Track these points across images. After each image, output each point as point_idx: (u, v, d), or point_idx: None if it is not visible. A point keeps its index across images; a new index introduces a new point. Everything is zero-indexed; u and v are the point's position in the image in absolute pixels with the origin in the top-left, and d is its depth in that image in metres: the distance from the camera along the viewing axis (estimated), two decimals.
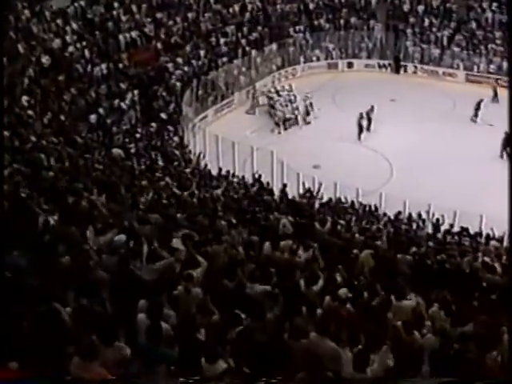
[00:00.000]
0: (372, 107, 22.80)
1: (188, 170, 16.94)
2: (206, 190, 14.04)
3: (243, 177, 17.90)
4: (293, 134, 23.85)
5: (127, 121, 21.55)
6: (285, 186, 17.34)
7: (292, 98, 25.65)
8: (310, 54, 30.17)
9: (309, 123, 24.63)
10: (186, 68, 25.29)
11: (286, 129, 24.37)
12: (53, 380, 4.13)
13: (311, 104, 25.20)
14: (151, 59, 24.52)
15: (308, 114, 24.93)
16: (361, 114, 22.55)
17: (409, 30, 30.13)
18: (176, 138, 21.63)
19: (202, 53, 26.47)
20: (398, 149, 22.13)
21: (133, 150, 17.48)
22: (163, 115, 22.70)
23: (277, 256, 8.68)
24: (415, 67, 29.59)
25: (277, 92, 26.18)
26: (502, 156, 21.05)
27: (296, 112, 24.75)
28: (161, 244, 7.80)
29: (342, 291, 7.28)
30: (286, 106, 25.02)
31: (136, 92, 22.53)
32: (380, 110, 25.17)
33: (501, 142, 20.98)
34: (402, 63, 29.81)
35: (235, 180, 17.40)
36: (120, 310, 6.00)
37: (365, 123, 22.97)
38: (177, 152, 19.56)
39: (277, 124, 24.59)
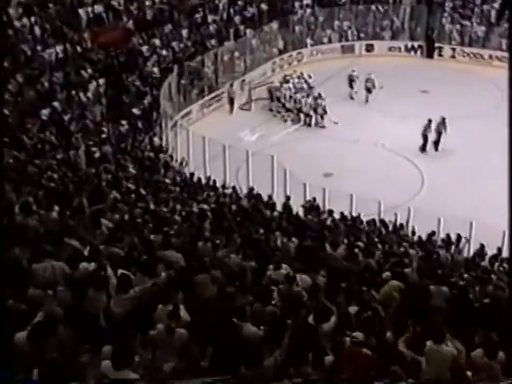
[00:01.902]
0: (443, 120, 22.21)
1: (167, 180, 16.98)
2: (190, 205, 14.07)
3: (236, 188, 17.94)
4: (298, 135, 23.96)
5: (90, 117, 21.60)
6: (288, 198, 17.41)
7: (305, 86, 25.84)
8: (320, 34, 30.47)
9: (336, 123, 24.31)
10: (164, 52, 25.47)
11: (309, 124, 24.47)
12: None
13: (373, 84, 25.78)
14: (120, 40, 24.66)
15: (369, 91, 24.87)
16: (428, 122, 22.22)
17: (447, 3, 30.41)
18: (152, 140, 21.69)
19: (184, 33, 26.69)
20: (430, 152, 22.24)
21: (97, 155, 17.53)
22: (136, 111, 22.79)
23: (279, 286, 8.70)
24: (453, 50, 29.91)
25: (284, 79, 26.33)
26: None
27: (308, 105, 24.80)
28: (134, 270, 7.82)
29: (357, 334, 7.25)
30: (302, 96, 25.12)
31: (101, 81, 22.62)
32: (408, 104, 25.41)
33: None
34: (437, 45, 30.14)
35: (227, 192, 17.44)
36: (79, 356, 5.99)
37: (432, 136, 22.39)
38: (153, 157, 19.60)
39: (288, 119, 24.73)
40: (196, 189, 17.21)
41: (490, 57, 28.55)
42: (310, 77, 26.54)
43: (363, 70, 28.23)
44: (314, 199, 17.58)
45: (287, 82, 26.19)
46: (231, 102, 25.47)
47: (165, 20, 26.52)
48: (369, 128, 23.78)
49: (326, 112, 24.59)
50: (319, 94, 25.05)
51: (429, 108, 24.87)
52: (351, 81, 26.89)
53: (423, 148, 22.46)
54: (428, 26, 30.26)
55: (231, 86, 25.71)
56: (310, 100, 24.84)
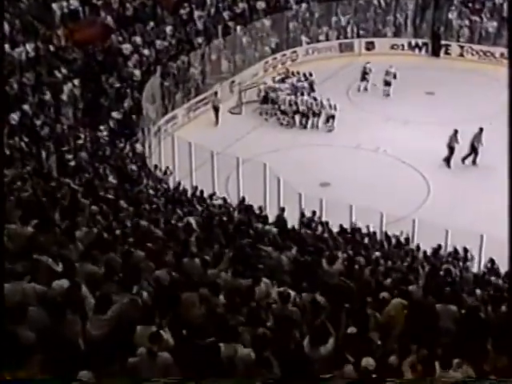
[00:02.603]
0: (481, 130, 22.02)
1: (150, 191, 16.98)
2: (175, 218, 14.08)
3: (226, 198, 17.96)
4: (293, 140, 24.03)
5: (65, 122, 21.60)
6: (282, 210, 17.43)
7: (305, 85, 26.01)
8: (316, 31, 30.64)
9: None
10: (146, 51, 25.54)
11: (303, 126, 24.64)
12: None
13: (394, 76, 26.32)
14: (98, 38, 24.72)
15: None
16: (455, 133, 22.06)
17: None
18: (133, 147, 21.71)
19: (168, 30, 26.79)
20: (436, 159, 22.37)
21: (73, 163, 17.53)
22: (115, 115, 22.81)
23: (271, 305, 8.71)
24: (461, 47, 30.10)
25: (282, 79, 26.46)
26: None
27: (310, 106, 24.97)
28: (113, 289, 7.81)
29: (367, 361, 7.22)
30: (302, 95, 25.31)
31: (77, 82, 22.64)
32: (412, 107, 25.57)
33: None
34: (443, 42, 30.31)
35: (215, 203, 17.46)
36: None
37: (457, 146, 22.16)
38: (134, 165, 19.61)
39: (284, 122, 24.91)
40: (182, 200, 17.21)
41: (502, 55, 28.42)
42: (311, 74, 26.76)
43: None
44: (314, 213, 17.60)
45: (283, 81, 26.28)
46: (216, 111, 25.11)
47: (147, 16, 26.59)
48: (369, 133, 23.92)
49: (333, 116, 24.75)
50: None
51: (434, 111, 25.08)
52: (365, 73, 27.36)
53: (448, 162, 22.22)
54: (434, 22, 30.45)
55: (215, 94, 25.49)
56: (309, 100, 24.88)
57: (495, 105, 24.03)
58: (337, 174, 21.49)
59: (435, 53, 30.33)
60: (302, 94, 25.48)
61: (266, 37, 29.29)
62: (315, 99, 25.05)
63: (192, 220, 14.18)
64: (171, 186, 19.03)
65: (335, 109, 24.68)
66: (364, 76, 27.42)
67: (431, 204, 20.28)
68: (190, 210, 15.77)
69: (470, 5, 30.24)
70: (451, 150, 22.16)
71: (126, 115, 23.06)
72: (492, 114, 24.12)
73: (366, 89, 27.48)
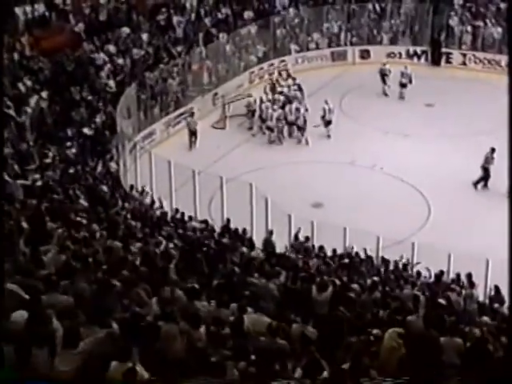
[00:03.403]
0: (492, 150, 21.47)
1: (126, 214, 16.98)
2: (153, 243, 14.07)
3: (208, 221, 17.99)
4: (281, 157, 24.14)
5: (30, 138, 21.57)
6: (271, 233, 17.48)
7: (298, 94, 26.20)
8: (306, 38, 30.89)
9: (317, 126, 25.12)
10: (120, 60, 25.66)
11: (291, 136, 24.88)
12: None
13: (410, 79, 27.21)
14: (68, 46, 24.80)
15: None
16: (491, 151, 21.76)
17: (456, 1, 30.79)
18: (107, 165, 21.70)
19: (145, 37, 26.95)
20: (438, 177, 22.49)
21: (39, 183, 17.49)
22: (86, 130, 22.83)
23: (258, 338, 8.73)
24: (463, 55, 30.40)
25: (272, 89, 26.58)
26: None
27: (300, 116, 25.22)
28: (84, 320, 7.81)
29: None
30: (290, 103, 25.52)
31: (44, 95, 22.66)
32: (411, 120, 25.78)
33: None
34: (444, 50, 30.61)
35: (197, 226, 17.47)
36: None
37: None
38: (108, 186, 19.60)
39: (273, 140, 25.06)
40: (160, 223, 17.21)
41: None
42: (295, 78, 27.15)
43: (357, 81, 28.67)
44: (307, 239, 17.64)
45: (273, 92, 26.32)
46: (192, 135, 24.68)
47: (122, 22, 26.75)
48: (365, 148, 24.11)
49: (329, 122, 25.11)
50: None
51: (435, 124, 25.27)
52: (384, 75, 27.90)
53: (485, 184, 22.00)
54: (434, 28, 30.75)
55: (191, 115, 25.24)
56: (302, 111, 25.13)
57: (500, 117, 24.28)
58: (330, 193, 21.58)
59: (435, 61, 30.62)
60: (290, 102, 25.64)
61: (252, 45, 29.50)
62: (306, 110, 25.20)
63: (172, 245, 14.19)
64: (149, 208, 19.01)
65: (333, 112, 25.12)
66: (384, 79, 27.98)
67: (432, 226, 20.40)
68: (170, 235, 15.77)
69: (473, 9, 30.55)
70: (486, 171, 21.84)
71: (99, 131, 23.08)
72: (497, 127, 24.32)
73: (386, 94, 28.09)
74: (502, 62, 29.19)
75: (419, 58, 30.79)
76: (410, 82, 27.69)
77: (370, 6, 31.24)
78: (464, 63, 30.36)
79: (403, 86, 27.77)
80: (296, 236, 17.86)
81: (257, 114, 25.81)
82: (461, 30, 30.53)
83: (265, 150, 24.79)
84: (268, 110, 25.37)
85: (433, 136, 24.63)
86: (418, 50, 30.67)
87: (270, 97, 26.20)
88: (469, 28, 30.47)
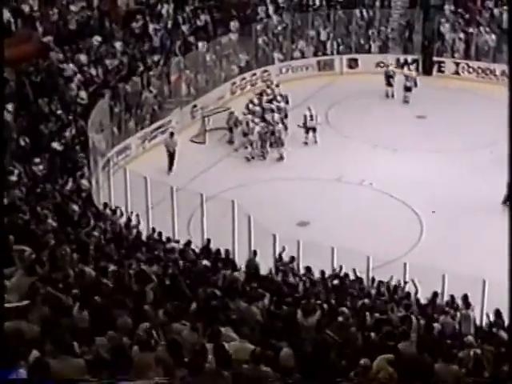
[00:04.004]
0: None
1: (98, 234, 16.95)
2: (128, 265, 14.05)
3: (189, 242, 17.99)
4: (266, 173, 24.22)
5: None
6: (254, 254, 17.49)
7: (281, 105, 26.44)
8: (291, 46, 31.05)
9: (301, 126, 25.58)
10: (92, 70, 25.69)
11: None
12: None
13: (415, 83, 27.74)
14: (35, 55, 24.79)
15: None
16: None
17: (447, 7, 31.15)
18: (78, 183, 21.65)
19: (118, 46, 27.00)
20: (430, 194, 22.64)
21: (5, 201, 17.38)
22: (56, 145, 22.78)
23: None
24: (456, 64, 30.69)
25: (258, 97, 26.69)
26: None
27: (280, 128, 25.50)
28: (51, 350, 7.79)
29: None
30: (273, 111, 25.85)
31: (10, 107, 22.62)
32: (401, 133, 25.95)
33: None
34: (436, 59, 30.90)
35: (176, 247, 17.46)
36: None
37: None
38: (79, 204, 19.54)
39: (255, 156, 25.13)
40: (136, 244, 17.18)
41: (503, 73, 28.78)
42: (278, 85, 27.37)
43: (345, 91, 28.85)
44: (292, 259, 17.65)
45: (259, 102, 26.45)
46: (170, 157, 24.31)
47: (93, 30, 26.78)
48: (353, 163, 24.28)
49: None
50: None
51: (426, 137, 25.46)
52: (389, 77, 28.44)
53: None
54: (424, 36, 31.07)
55: (171, 135, 24.64)
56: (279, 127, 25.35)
57: (496, 130, 24.47)
58: (316, 211, 21.66)
59: (427, 71, 30.88)
60: (273, 111, 25.88)
61: (233, 54, 29.63)
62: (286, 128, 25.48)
63: (148, 268, 14.17)
64: (123, 228, 18.98)
65: (316, 119, 25.43)
66: (389, 81, 28.50)
67: (425, 245, 20.51)
68: (146, 256, 15.75)
69: (465, 15, 30.82)
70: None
71: (69, 146, 23.02)
72: (492, 140, 24.52)
73: (392, 95, 28.65)
74: (496, 71, 29.50)
75: (410, 66, 30.85)
76: (415, 85, 28.22)
77: (357, 12, 31.48)
78: (457, 72, 30.65)
79: (408, 89, 28.40)
80: (280, 256, 17.88)
81: (239, 127, 25.88)
82: (453, 38, 30.84)
83: (247, 166, 24.89)
84: (250, 124, 25.46)
85: (424, 150, 24.80)
86: (409, 58, 30.85)
87: (256, 108, 26.25)
88: (461, 35, 30.76)
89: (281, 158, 25.04)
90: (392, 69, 28.91)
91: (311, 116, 25.56)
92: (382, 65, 30.62)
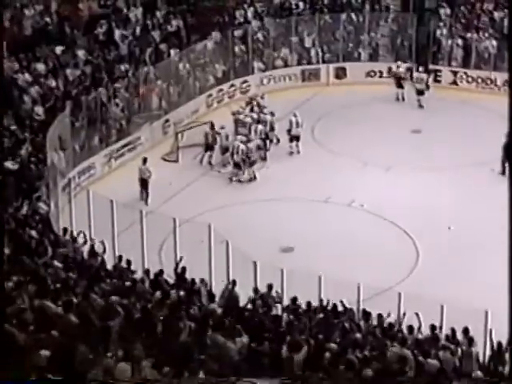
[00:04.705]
0: None
1: (57, 263, 16.84)
2: (89, 297, 13.99)
3: (161, 271, 17.91)
4: (246, 193, 24.24)
5: None
6: (233, 284, 17.45)
7: (263, 116, 26.52)
8: (272, 55, 31.16)
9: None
10: (52, 82, 25.62)
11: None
12: None
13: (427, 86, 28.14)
14: None
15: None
16: None
17: (443, 10, 31.35)
18: (35, 206, 21.53)
19: (80, 54, 26.97)
20: (427, 216, 22.71)
21: None
22: (9, 165, 22.64)
23: None
24: (454, 73, 30.88)
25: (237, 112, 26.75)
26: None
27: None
28: None
29: None
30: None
31: None
32: (395, 149, 26.04)
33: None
34: (432, 67, 31.00)
35: (145, 276, 17.40)
36: None
37: None
38: (36, 230, 19.41)
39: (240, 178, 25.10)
40: (100, 274, 17.10)
41: (505, 83, 28.87)
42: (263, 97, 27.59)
43: (332, 104, 28.97)
44: (270, 287, 17.58)
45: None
46: (144, 186, 23.92)
47: (52, 37, 26.72)
48: (342, 182, 24.36)
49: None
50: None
51: (422, 154, 25.52)
52: (399, 79, 28.89)
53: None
54: (419, 42, 31.26)
55: (144, 161, 24.13)
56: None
57: (498, 145, 24.61)
58: (302, 236, 21.67)
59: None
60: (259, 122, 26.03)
61: (209, 63, 29.66)
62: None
63: (114, 300, 14.10)
64: (86, 256, 18.88)
65: (301, 127, 25.73)
66: (400, 83, 28.91)
67: (421, 272, 20.57)
68: (112, 287, 15.67)
69: (463, 20, 31.11)
70: None
71: (24, 165, 22.90)
72: (494, 157, 24.67)
73: (403, 98, 29.05)
74: (498, 81, 29.67)
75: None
76: (428, 87, 28.52)
77: (344, 16, 31.56)
78: (455, 82, 30.86)
79: (420, 93, 28.81)
80: (256, 289, 17.78)
81: (218, 143, 25.84)
82: (450, 44, 31.03)
83: (225, 187, 24.88)
84: (234, 142, 25.25)
85: (420, 167, 24.90)
86: (402, 67, 30.83)
87: (247, 119, 26.37)
88: (459, 41, 30.95)
89: (254, 177, 25.04)
90: (403, 70, 29.21)
91: (297, 123, 25.77)
92: (372, 74, 30.88)
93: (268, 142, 25.98)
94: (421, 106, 28.88)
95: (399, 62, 30.08)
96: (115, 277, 17.18)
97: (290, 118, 26.07)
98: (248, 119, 26.31)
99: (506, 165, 23.58)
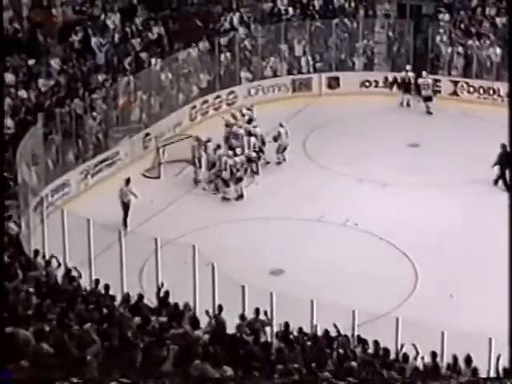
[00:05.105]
0: None
1: (29, 288, 16.76)
2: (67, 325, 13.93)
3: (141, 296, 17.87)
4: (233, 212, 24.25)
5: None
6: (219, 309, 17.41)
7: (257, 130, 26.65)
8: (261, 64, 31.26)
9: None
10: (23, 92, 25.55)
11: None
12: None
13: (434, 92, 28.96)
14: None
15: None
16: None
17: (441, 16, 31.59)
18: (4, 226, 21.44)
19: (54, 63, 26.96)
20: (426, 236, 22.76)
21: None
22: None
23: None
24: (454, 83, 31.06)
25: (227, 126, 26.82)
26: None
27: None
28: None
29: None
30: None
31: None
32: (391, 164, 26.11)
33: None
34: (431, 77, 30.89)
35: (124, 301, 17.35)
36: None
37: None
38: (6, 252, 19.34)
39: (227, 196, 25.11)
40: (76, 299, 17.02)
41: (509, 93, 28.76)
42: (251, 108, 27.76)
43: (324, 116, 29.05)
44: (258, 311, 17.58)
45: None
46: (125, 209, 23.45)
47: (23, 45, 26.70)
48: (335, 200, 24.42)
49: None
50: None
51: (420, 170, 25.55)
52: (408, 84, 29.24)
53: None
54: (416, 49, 31.46)
55: (127, 182, 23.69)
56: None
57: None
58: (292, 257, 21.70)
59: (419, 91, 30.97)
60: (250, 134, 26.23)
61: (193, 72, 29.74)
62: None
63: (91, 328, 14.05)
64: (60, 280, 18.81)
65: (288, 138, 26.31)
66: (407, 87, 29.40)
67: (419, 295, 20.56)
68: (89, 314, 15.61)
69: (463, 26, 31.30)
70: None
71: None
72: (495, 172, 24.75)
73: (408, 104, 29.59)
74: (501, 91, 29.82)
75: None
76: (434, 92, 29.10)
77: (336, 22, 31.75)
78: (455, 93, 31.07)
79: (427, 99, 29.25)
80: (242, 316, 17.76)
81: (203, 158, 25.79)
82: (450, 52, 31.25)
83: (209, 204, 24.88)
84: (222, 158, 25.17)
85: (418, 184, 25.03)
86: (399, 76, 30.94)
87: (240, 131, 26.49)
88: (460, 49, 31.15)
89: (241, 195, 25.06)
90: (412, 74, 29.63)
91: (286, 133, 26.08)
92: (366, 84, 31.08)
93: (261, 154, 26.04)
94: (429, 113, 29.22)
95: (408, 67, 30.43)
96: (92, 302, 17.13)
97: (278, 130, 26.25)
98: (241, 131, 26.35)
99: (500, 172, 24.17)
